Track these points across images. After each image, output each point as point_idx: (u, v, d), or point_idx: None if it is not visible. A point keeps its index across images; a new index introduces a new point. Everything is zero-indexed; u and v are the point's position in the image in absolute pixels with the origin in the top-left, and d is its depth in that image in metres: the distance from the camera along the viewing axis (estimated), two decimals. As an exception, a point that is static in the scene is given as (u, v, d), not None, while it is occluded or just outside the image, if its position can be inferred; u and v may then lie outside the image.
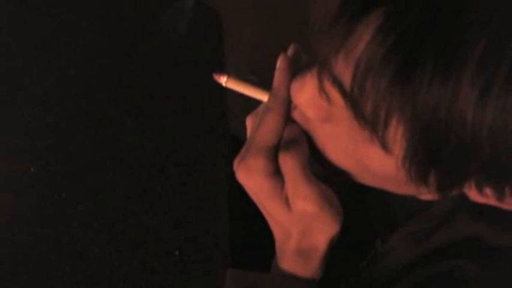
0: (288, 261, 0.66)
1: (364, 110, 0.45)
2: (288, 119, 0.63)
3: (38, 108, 2.20)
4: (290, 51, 0.68)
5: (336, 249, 0.82)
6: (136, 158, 2.00)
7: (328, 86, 0.49)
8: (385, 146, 0.47)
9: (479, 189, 0.49)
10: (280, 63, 0.65)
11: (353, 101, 0.46)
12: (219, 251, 1.67)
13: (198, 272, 1.67)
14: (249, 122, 0.68)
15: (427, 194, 0.53)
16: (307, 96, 0.53)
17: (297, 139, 0.63)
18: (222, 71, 0.66)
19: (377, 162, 0.51)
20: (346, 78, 0.46)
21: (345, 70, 0.46)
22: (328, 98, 0.49)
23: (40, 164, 2.01)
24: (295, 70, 0.64)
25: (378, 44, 0.42)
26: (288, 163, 0.62)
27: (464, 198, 0.52)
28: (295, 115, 0.59)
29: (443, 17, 0.40)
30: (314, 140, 0.58)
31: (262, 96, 0.65)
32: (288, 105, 0.63)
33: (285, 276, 0.66)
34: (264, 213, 0.67)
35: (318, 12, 0.46)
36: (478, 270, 0.55)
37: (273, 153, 0.62)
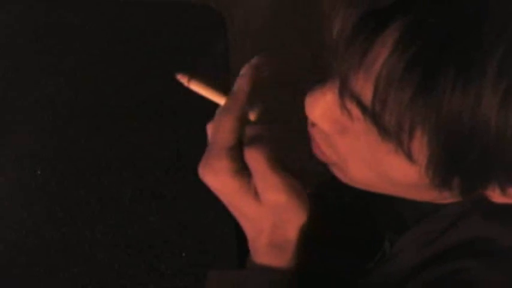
0: (263, 256, 0.66)
1: (388, 124, 0.45)
2: (246, 122, 0.64)
3: (45, 112, 2.21)
4: (254, 61, 0.69)
5: (343, 251, 0.81)
6: (143, 162, 2.02)
7: (348, 102, 0.49)
8: (410, 157, 0.47)
9: (503, 190, 0.49)
10: (244, 70, 0.66)
11: (375, 116, 0.46)
12: (226, 253, 1.67)
13: (205, 274, 1.67)
14: (210, 128, 0.67)
15: (449, 198, 0.53)
16: (320, 110, 0.53)
17: (260, 135, 0.63)
18: (188, 71, 0.66)
19: (400, 172, 0.51)
20: (367, 93, 0.46)
21: (364, 86, 0.46)
22: (349, 114, 0.49)
23: (47, 168, 2.03)
24: (256, 79, 0.65)
25: (397, 59, 0.42)
26: (254, 157, 0.62)
27: (476, 199, 0.51)
28: (313, 133, 0.58)
29: (460, 27, 0.41)
30: (336, 155, 0.57)
31: (220, 100, 0.66)
32: (244, 109, 0.64)
33: (264, 269, 0.66)
34: (234, 212, 0.66)
35: (335, 31, 0.46)
36: (489, 272, 0.55)
37: (235, 153, 0.63)
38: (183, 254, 1.74)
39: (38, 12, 2.46)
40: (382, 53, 0.43)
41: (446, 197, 0.52)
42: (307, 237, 0.66)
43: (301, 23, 2.28)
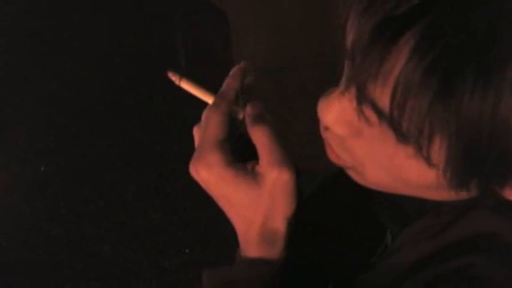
0: (253, 249, 0.67)
1: (406, 129, 0.45)
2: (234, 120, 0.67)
3: (48, 109, 2.21)
4: (242, 64, 0.71)
5: (345, 245, 0.81)
6: (146, 158, 2.02)
7: (365, 108, 0.49)
8: (429, 161, 0.47)
9: None
10: (233, 71, 0.69)
11: (393, 122, 0.46)
12: (229, 250, 1.67)
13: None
14: (196, 132, 0.69)
15: (466, 197, 0.53)
16: (334, 114, 0.53)
17: (262, 114, 0.66)
18: (178, 70, 0.69)
19: (417, 174, 0.51)
20: (384, 100, 0.46)
21: (382, 92, 0.46)
22: (366, 119, 0.50)
23: (51, 164, 2.03)
24: (243, 81, 0.69)
25: (415, 65, 0.42)
26: (261, 132, 0.64)
27: (481, 194, 0.51)
28: (327, 137, 0.59)
29: (477, 32, 0.41)
30: (352, 159, 0.58)
31: (209, 99, 0.68)
32: (233, 107, 0.67)
33: (255, 262, 0.67)
34: (226, 206, 0.67)
35: (349, 40, 0.47)
36: (496, 267, 0.55)
37: (227, 146, 0.64)
38: (187, 251, 1.75)
39: (39, 9, 2.47)
40: (399, 60, 0.44)
41: (463, 197, 0.52)
42: (308, 232, 0.67)
43: (305, 20, 2.28)
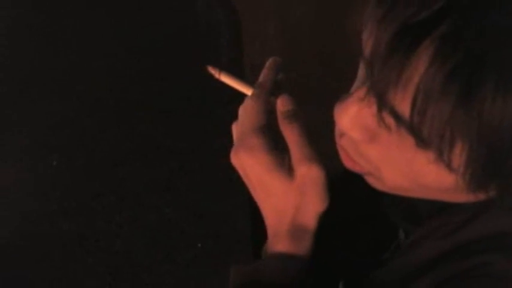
0: (282, 243, 0.67)
1: (427, 135, 0.45)
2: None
3: (60, 104, 2.22)
4: (276, 58, 0.74)
5: (357, 242, 0.81)
6: (158, 153, 2.03)
7: (385, 115, 0.48)
8: (449, 166, 0.47)
9: None
10: (269, 63, 0.73)
11: (413, 128, 0.46)
12: (241, 244, 1.67)
13: (220, 264, 1.68)
14: (234, 127, 0.71)
15: (483, 199, 0.53)
16: (349, 118, 0.53)
17: (294, 109, 0.67)
18: (217, 64, 0.73)
19: (436, 179, 0.51)
20: (404, 106, 0.46)
21: (402, 99, 0.45)
22: (384, 125, 0.49)
23: (63, 159, 2.05)
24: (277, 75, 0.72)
25: (435, 72, 0.41)
26: (291, 128, 0.66)
27: (500, 196, 0.51)
28: (343, 144, 0.59)
29: (496, 37, 0.41)
30: (368, 164, 0.57)
31: (247, 91, 0.71)
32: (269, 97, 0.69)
33: (282, 257, 0.67)
34: (260, 195, 0.68)
35: (370, 47, 0.46)
36: (511, 265, 0.54)
37: (267, 133, 0.66)
38: (199, 245, 1.75)
39: (46, 4, 2.47)
40: (419, 67, 0.43)
41: (480, 198, 0.52)
42: (320, 229, 0.67)
43: (315, 16, 2.28)
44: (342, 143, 0.58)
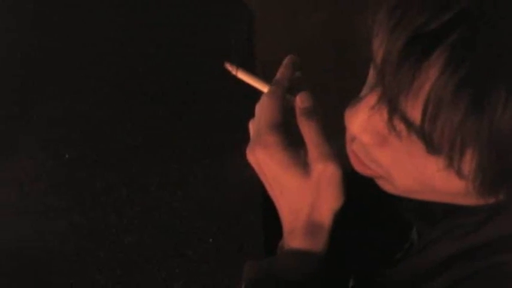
0: (298, 239, 0.68)
1: (437, 142, 0.46)
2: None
3: (72, 98, 2.21)
4: (293, 56, 0.75)
5: (370, 241, 0.81)
6: (170, 148, 2.02)
7: (396, 121, 0.49)
8: (460, 173, 0.47)
9: None
10: (286, 61, 0.74)
11: (424, 135, 0.46)
12: (252, 239, 1.68)
13: (231, 259, 1.68)
14: (251, 124, 0.72)
15: (493, 202, 0.53)
16: (359, 122, 0.54)
17: (312, 106, 0.68)
18: (234, 61, 0.75)
19: (446, 184, 0.51)
20: (415, 113, 0.46)
21: (413, 106, 0.46)
22: (395, 131, 0.50)
23: (74, 153, 2.03)
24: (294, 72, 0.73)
25: (446, 81, 0.41)
26: (308, 125, 0.66)
27: (510, 199, 0.51)
28: (354, 148, 0.59)
29: (508, 46, 0.41)
30: (379, 168, 0.58)
31: (264, 88, 0.72)
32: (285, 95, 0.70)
33: (297, 253, 0.68)
34: (276, 192, 0.69)
35: (381, 56, 0.47)
36: None
37: (284, 130, 0.67)
38: (210, 240, 1.75)
39: (60, 3, 2.48)
40: (430, 76, 0.44)
41: (490, 202, 0.52)
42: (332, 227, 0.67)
43: (326, 15, 2.28)
44: (352, 148, 0.59)
